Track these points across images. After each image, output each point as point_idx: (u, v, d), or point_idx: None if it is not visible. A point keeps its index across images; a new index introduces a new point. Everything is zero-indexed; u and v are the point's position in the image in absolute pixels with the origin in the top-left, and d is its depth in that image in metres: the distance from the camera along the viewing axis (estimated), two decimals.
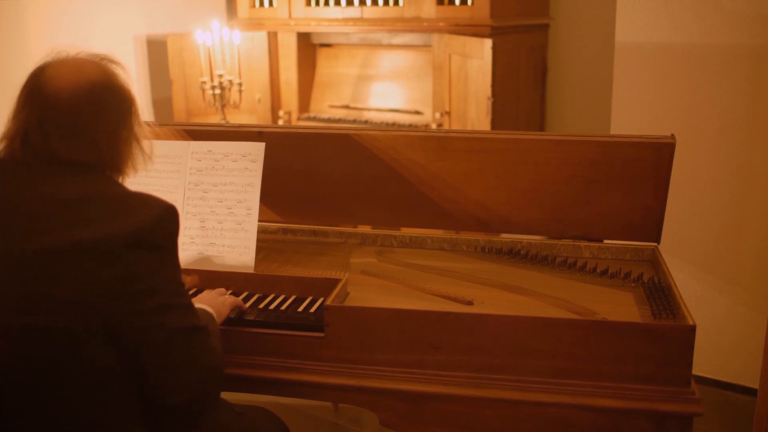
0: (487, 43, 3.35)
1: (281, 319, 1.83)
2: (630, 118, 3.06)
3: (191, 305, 1.43)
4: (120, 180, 1.49)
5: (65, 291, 1.29)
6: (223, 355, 1.50)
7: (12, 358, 1.30)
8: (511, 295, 1.96)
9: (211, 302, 1.72)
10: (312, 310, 1.87)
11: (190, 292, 1.94)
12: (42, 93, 1.38)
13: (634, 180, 2.07)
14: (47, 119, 1.38)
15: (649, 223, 2.12)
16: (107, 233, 1.31)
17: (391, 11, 3.90)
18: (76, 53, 1.45)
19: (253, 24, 4.38)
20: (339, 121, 4.21)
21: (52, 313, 1.29)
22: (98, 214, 1.35)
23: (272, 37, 4.37)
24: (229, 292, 1.93)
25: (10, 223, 1.34)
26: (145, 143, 1.51)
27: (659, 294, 1.92)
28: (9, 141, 1.41)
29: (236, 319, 1.82)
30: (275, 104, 4.42)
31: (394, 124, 4.03)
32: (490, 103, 3.38)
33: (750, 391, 2.88)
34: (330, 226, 2.43)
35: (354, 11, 4.02)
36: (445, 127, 3.77)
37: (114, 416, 1.36)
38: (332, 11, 4.10)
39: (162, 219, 1.37)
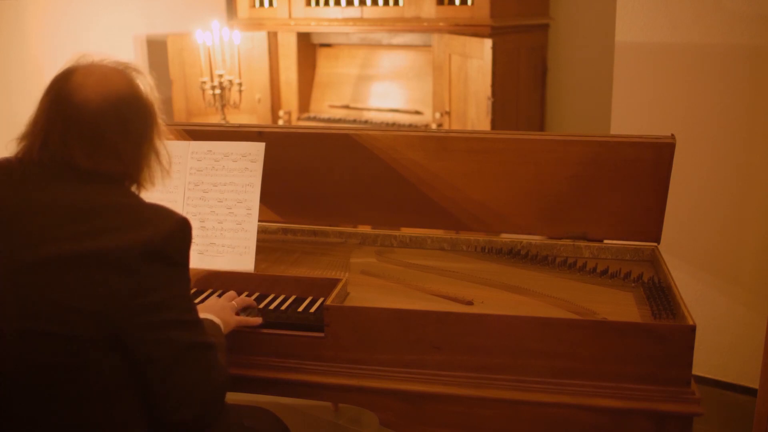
0: (487, 43, 3.35)
1: (281, 319, 1.83)
2: (630, 118, 3.06)
3: (200, 321, 1.42)
4: (136, 192, 1.48)
5: (74, 299, 1.28)
6: (228, 370, 1.48)
7: (19, 364, 1.30)
8: (511, 295, 1.96)
9: (218, 312, 1.71)
10: (312, 310, 1.87)
11: (201, 297, 1.94)
12: (67, 101, 1.37)
13: (634, 180, 2.07)
14: (71, 128, 1.36)
15: (649, 223, 2.12)
16: (119, 244, 1.30)
17: (391, 11, 3.90)
18: (101, 60, 1.44)
19: (253, 24, 4.37)
20: (339, 121, 4.21)
21: (60, 321, 1.28)
22: (111, 224, 1.33)
23: (272, 37, 4.36)
24: (244, 294, 1.94)
25: (21, 228, 1.33)
26: (164, 157, 1.50)
27: (659, 294, 1.92)
28: (28, 142, 1.40)
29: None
30: (275, 104, 4.42)
31: (394, 124, 4.03)
32: (490, 103, 3.38)
33: (750, 391, 2.87)
34: (330, 226, 2.43)
35: (354, 11, 4.01)
36: (445, 127, 3.76)
37: (119, 426, 1.36)
38: (332, 11, 4.10)
39: (174, 232, 1.36)
